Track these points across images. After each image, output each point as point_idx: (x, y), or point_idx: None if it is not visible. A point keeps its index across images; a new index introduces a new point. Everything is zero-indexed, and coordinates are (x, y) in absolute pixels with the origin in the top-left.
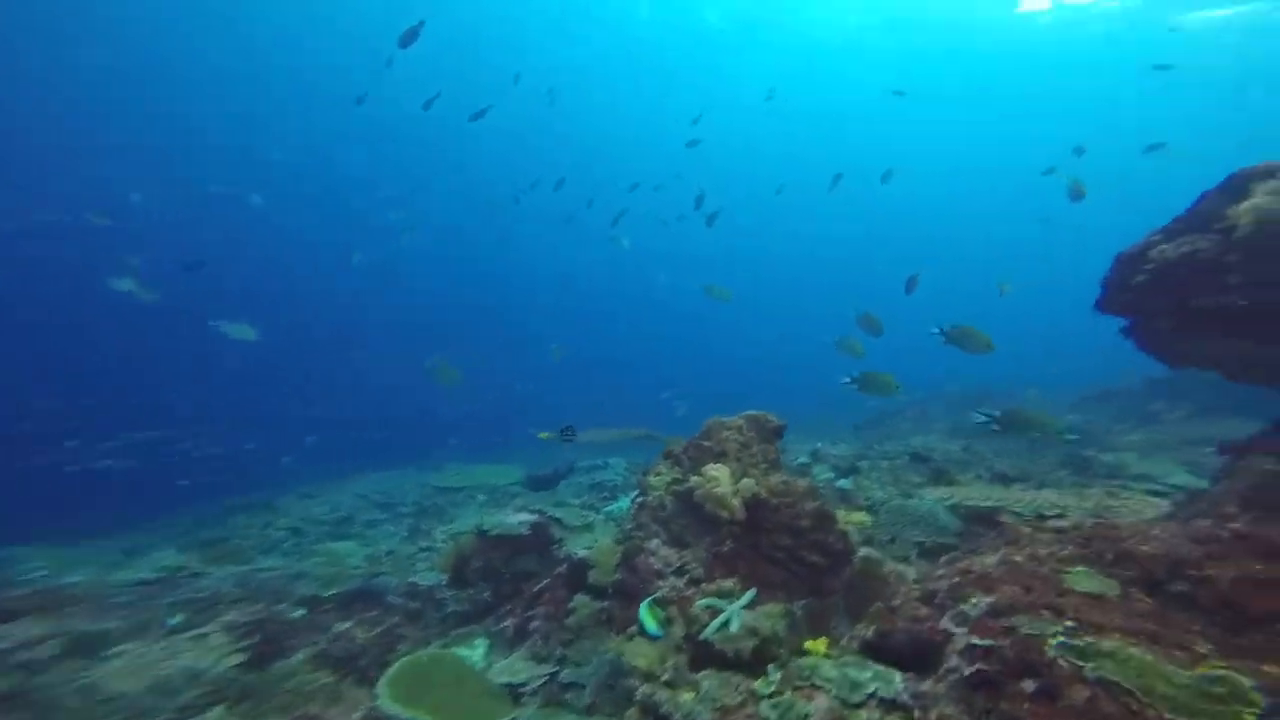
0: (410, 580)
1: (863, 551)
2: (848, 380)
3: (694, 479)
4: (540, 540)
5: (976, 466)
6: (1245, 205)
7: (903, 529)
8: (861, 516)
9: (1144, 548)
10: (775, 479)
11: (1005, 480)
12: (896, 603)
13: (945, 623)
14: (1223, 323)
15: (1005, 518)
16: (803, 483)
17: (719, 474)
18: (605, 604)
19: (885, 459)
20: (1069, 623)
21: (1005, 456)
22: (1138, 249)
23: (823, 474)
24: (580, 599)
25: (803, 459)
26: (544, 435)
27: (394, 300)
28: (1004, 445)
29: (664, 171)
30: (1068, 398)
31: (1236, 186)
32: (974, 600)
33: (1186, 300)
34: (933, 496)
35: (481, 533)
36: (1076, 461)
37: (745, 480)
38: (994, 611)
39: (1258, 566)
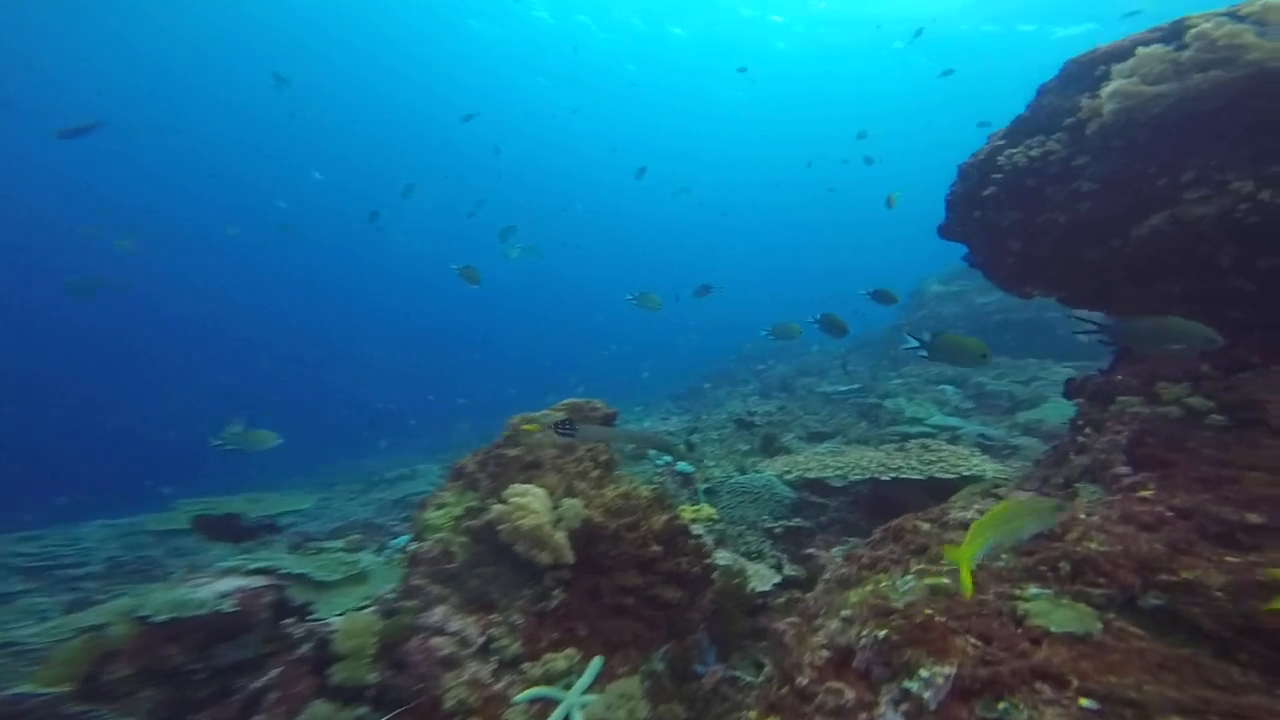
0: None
1: (722, 561)
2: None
3: (495, 508)
4: (264, 615)
5: (793, 426)
6: (1108, 90)
7: (747, 510)
8: (709, 511)
9: (1092, 545)
10: (611, 492)
11: (821, 437)
12: (803, 681)
13: (888, 714)
14: (1074, 238)
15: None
16: (645, 491)
17: (529, 499)
18: None
19: (715, 429)
20: (1087, 701)
21: (813, 413)
22: (983, 155)
23: (660, 457)
24: (319, 710)
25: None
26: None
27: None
28: (810, 402)
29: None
30: (837, 349)
31: (1080, 74)
32: (922, 671)
33: (1036, 216)
34: (770, 470)
35: (142, 619)
36: (866, 411)
37: (569, 502)
38: (962, 691)
39: (1234, 560)
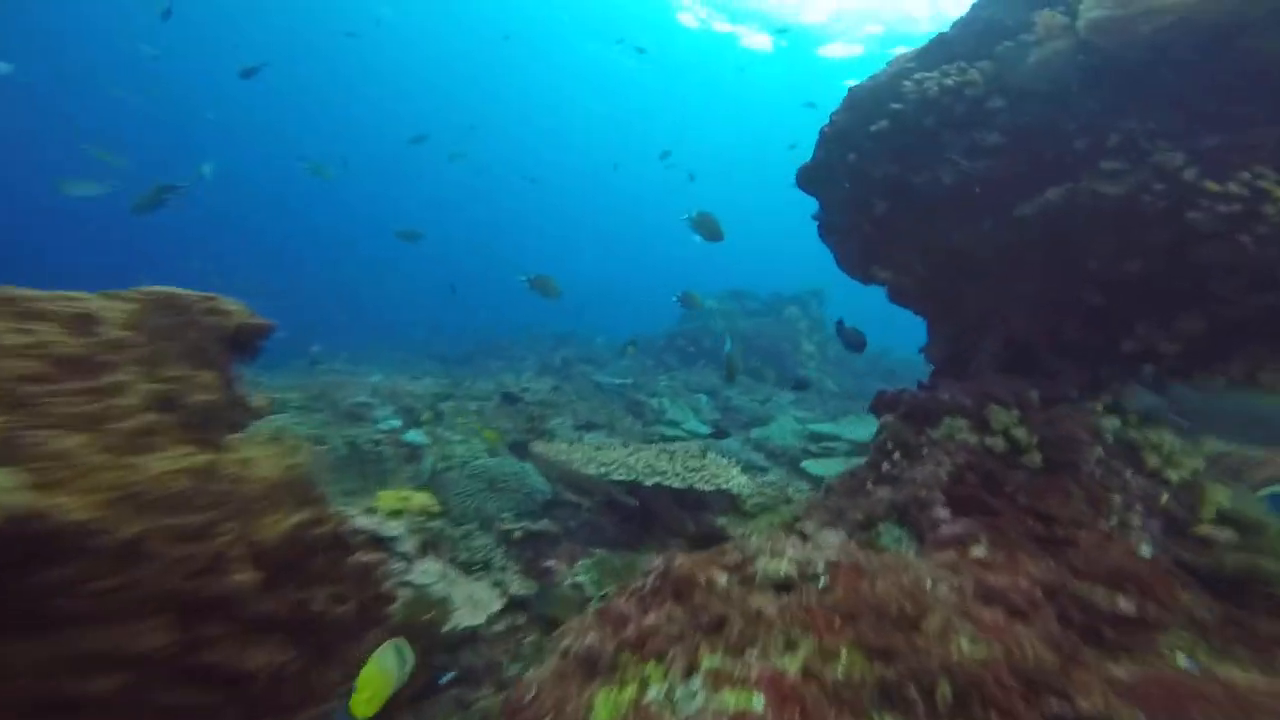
0: None
1: (425, 578)
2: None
3: None
4: None
5: (564, 410)
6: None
7: (485, 502)
8: (421, 501)
9: (965, 647)
10: (161, 463)
11: (590, 426)
12: None
13: None
14: (947, 208)
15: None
16: (266, 468)
17: None
18: None
19: (475, 400)
20: None
21: (586, 399)
22: (884, 79)
23: (386, 420)
24: None
25: (362, 398)
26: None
27: None
28: (584, 388)
29: None
30: (620, 341)
31: None
32: None
33: (918, 172)
34: (487, 434)
35: None
36: (634, 406)
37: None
38: None
39: (1118, 674)
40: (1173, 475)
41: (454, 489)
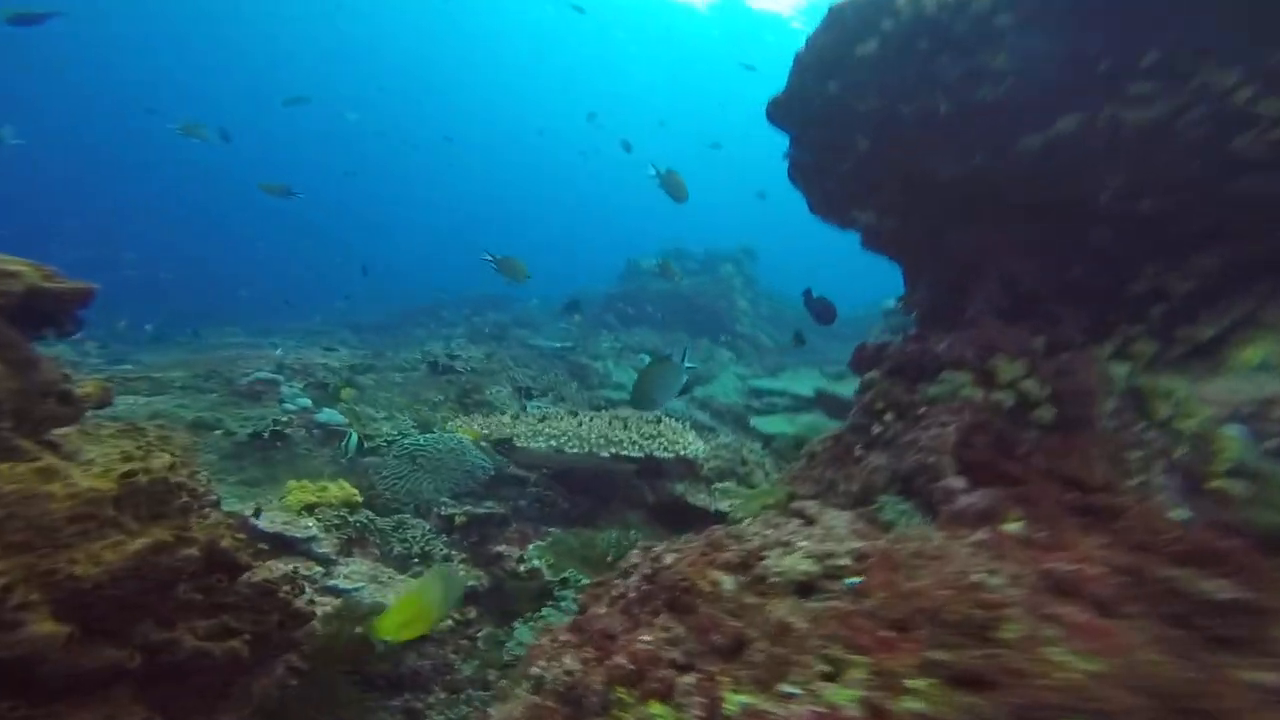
0: None
1: (347, 580)
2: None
3: None
4: None
5: (500, 378)
6: None
7: (421, 482)
8: (341, 493)
9: (1057, 657)
10: None
11: (529, 393)
12: None
13: None
14: (940, 140)
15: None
16: (93, 476)
17: None
18: None
19: (399, 370)
20: None
21: (524, 365)
22: None
23: (294, 399)
24: None
25: (265, 373)
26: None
27: None
28: (521, 353)
29: None
30: (554, 307)
31: None
32: None
33: (907, 101)
34: (465, 432)
35: None
36: (576, 370)
37: None
38: None
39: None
40: (1185, 425)
41: (381, 473)
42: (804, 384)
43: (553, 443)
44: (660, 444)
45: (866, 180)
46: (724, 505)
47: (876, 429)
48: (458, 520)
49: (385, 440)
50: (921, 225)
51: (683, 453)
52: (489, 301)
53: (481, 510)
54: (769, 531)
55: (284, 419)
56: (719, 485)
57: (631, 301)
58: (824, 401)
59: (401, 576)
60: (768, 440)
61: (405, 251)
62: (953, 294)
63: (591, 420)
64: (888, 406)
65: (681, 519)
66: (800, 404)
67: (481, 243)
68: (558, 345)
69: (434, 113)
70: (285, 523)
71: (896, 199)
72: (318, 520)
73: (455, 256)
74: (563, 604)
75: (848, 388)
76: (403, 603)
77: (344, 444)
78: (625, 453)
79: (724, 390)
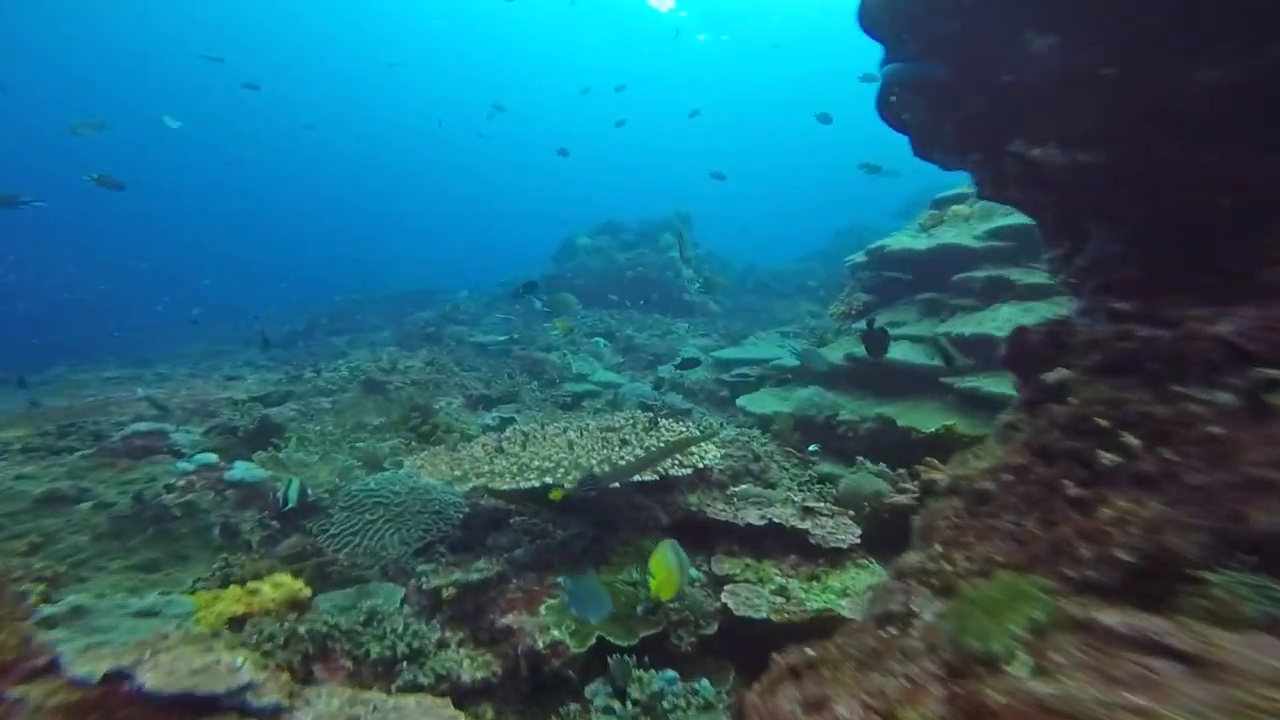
0: None
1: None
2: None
3: None
4: None
5: (449, 388)
6: None
7: (383, 537)
8: (277, 587)
9: None
10: None
11: (488, 402)
12: None
13: None
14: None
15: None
16: None
17: None
18: None
19: (325, 394)
20: None
21: (471, 369)
22: None
23: (194, 455)
24: None
25: (143, 424)
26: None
27: None
28: (464, 354)
29: None
30: (486, 297)
31: None
32: None
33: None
34: (429, 473)
35: None
36: (530, 366)
37: None
38: None
39: None
40: None
41: (328, 530)
42: (766, 349)
43: (548, 479)
44: (673, 463)
45: (1044, 96)
46: (752, 516)
47: (1109, 458)
48: (446, 594)
49: (327, 490)
50: (1137, 154)
51: (701, 465)
52: (411, 299)
53: (474, 576)
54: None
55: (179, 481)
56: (736, 489)
57: (569, 282)
58: (812, 371)
59: (387, 698)
60: (764, 422)
61: (302, 253)
62: (1185, 249)
63: (581, 437)
64: (1124, 423)
65: (703, 536)
66: (770, 371)
67: (383, 236)
68: (502, 339)
69: (332, 106)
70: (196, 671)
71: (1093, 120)
72: (250, 648)
73: (365, 253)
74: (596, 700)
75: (834, 353)
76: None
77: (280, 494)
78: (643, 476)
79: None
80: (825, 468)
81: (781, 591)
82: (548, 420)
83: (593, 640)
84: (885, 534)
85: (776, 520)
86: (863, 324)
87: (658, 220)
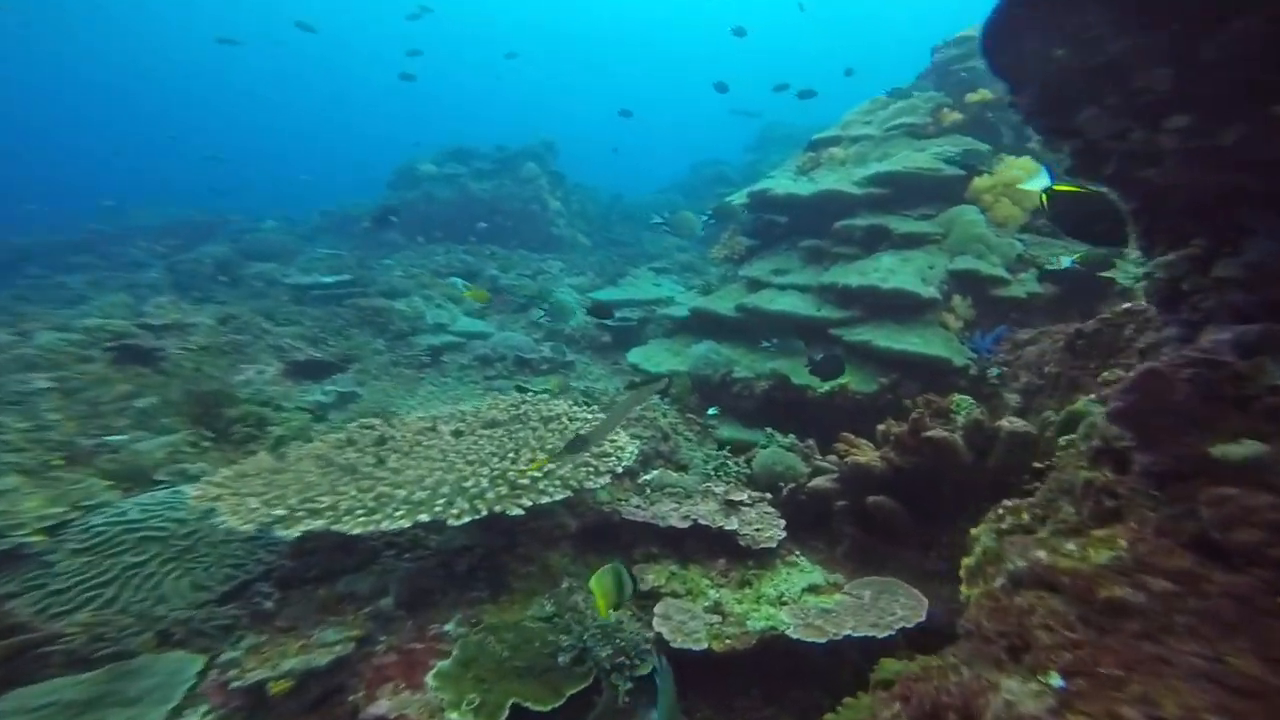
0: None
1: None
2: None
3: None
4: None
5: (255, 350)
6: None
7: (156, 588)
8: None
9: None
10: None
11: (316, 370)
12: None
13: None
14: None
15: None
16: None
17: None
18: None
19: (44, 366)
20: None
21: (292, 321)
22: None
23: None
24: None
25: None
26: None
27: None
28: (281, 303)
29: None
30: (303, 229)
31: None
32: None
33: None
34: (230, 510)
35: None
36: (372, 318)
37: None
38: None
39: None
40: None
41: (53, 585)
42: (646, 289)
43: (423, 515)
44: (584, 470)
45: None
46: (674, 518)
47: None
48: (276, 689)
49: (42, 529)
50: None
51: (620, 468)
52: (194, 229)
53: (321, 661)
54: None
55: None
56: (647, 477)
57: (416, 214)
58: (703, 321)
59: None
60: (655, 381)
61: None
62: None
63: (459, 440)
64: None
65: (614, 538)
66: (649, 309)
67: (152, 158)
68: (331, 280)
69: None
70: None
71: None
72: None
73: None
74: None
75: (723, 303)
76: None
77: None
78: (546, 498)
79: (567, 308)
80: (726, 432)
81: (717, 608)
82: (405, 393)
83: (505, 715)
84: (802, 517)
85: (702, 522)
86: (747, 269)
87: (519, 149)
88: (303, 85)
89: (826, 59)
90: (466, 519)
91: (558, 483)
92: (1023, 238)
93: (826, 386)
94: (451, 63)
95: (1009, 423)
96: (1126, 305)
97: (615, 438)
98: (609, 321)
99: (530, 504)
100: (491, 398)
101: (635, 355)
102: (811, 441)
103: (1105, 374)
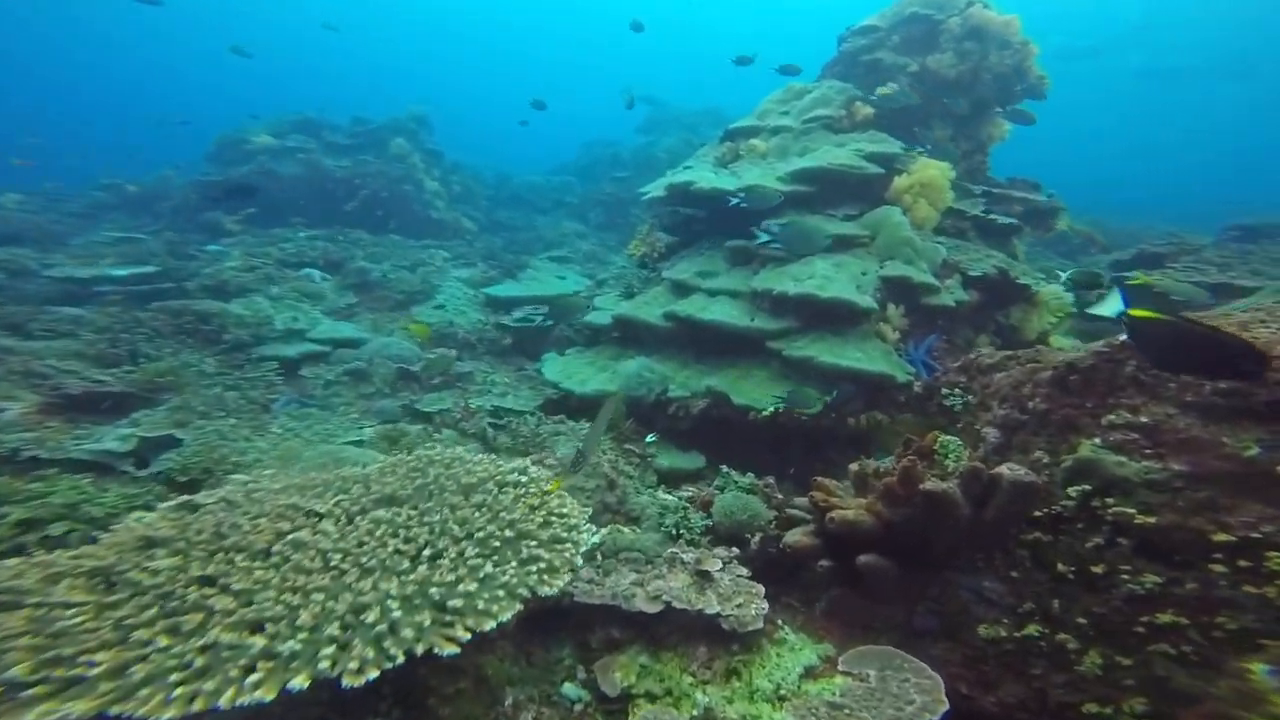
0: None
1: None
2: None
3: None
4: None
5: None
6: None
7: None
8: None
9: None
10: None
11: (106, 405)
12: None
13: None
14: None
15: None
16: None
17: None
18: None
19: None
20: None
21: (64, 334)
22: None
23: None
24: None
25: None
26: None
27: None
28: (36, 309)
29: None
30: (75, 205)
31: None
32: None
33: None
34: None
35: None
36: (193, 326)
37: None
38: None
39: None
40: None
41: None
42: (549, 283)
43: (297, 678)
44: (534, 569)
45: None
46: (625, 583)
47: None
48: None
49: None
50: None
51: (579, 558)
52: None
53: None
54: None
55: None
56: (595, 540)
57: (243, 189)
58: (627, 330)
59: None
60: (581, 405)
61: None
62: None
63: (344, 535)
64: None
65: (563, 624)
66: (591, 333)
67: None
68: (124, 274)
69: None
70: None
71: None
72: None
73: None
74: None
75: (649, 310)
76: None
77: None
78: (490, 621)
79: (455, 307)
80: (664, 460)
81: (708, 717)
82: (251, 434)
83: None
84: (774, 570)
85: (677, 605)
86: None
87: (384, 122)
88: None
89: (723, 42)
90: (373, 673)
91: (500, 592)
92: (941, 240)
93: (770, 408)
94: (286, 34)
95: (1009, 470)
96: (1123, 338)
97: (562, 507)
98: (510, 322)
99: (469, 633)
100: (384, 456)
101: (552, 370)
102: (771, 479)
103: (1110, 417)
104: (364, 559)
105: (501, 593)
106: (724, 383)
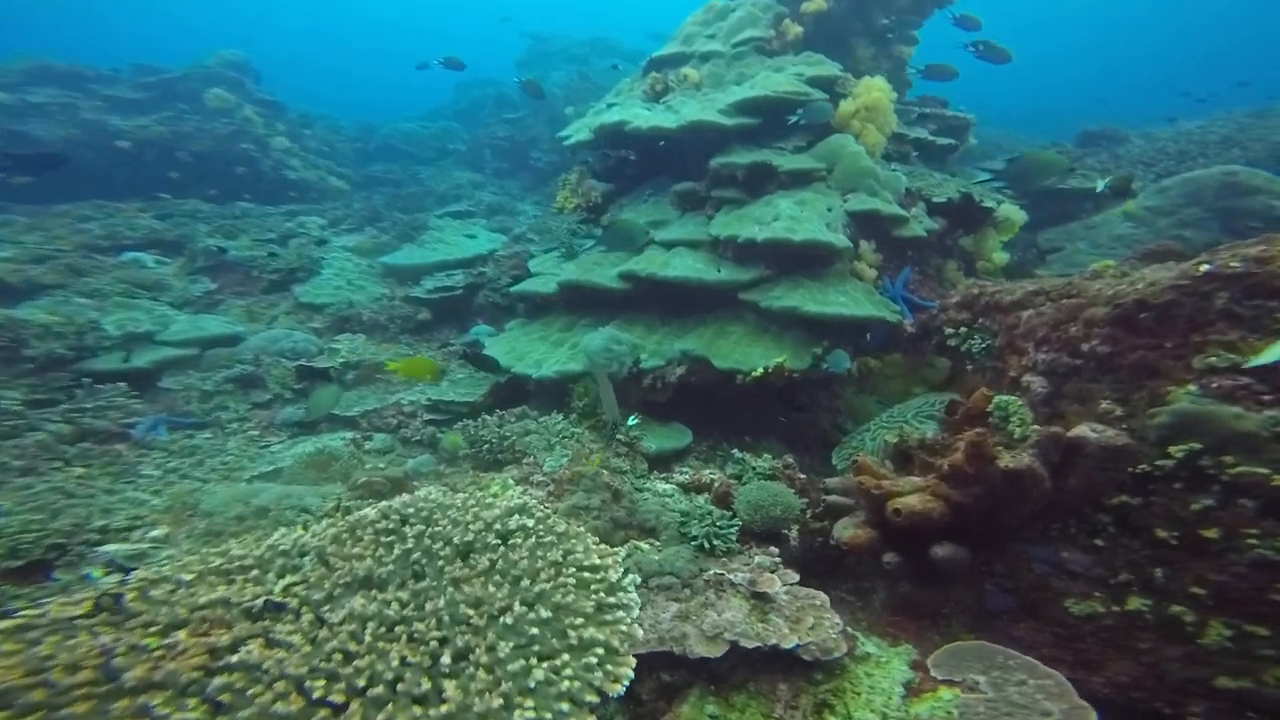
0: None
1: None
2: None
3: None
4: None
5: None
6: None
7: None
8: None
9: None
10: None
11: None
12: None
13: None
14: None
15: None
16: None
17: None
18: None
19: None
20: None
21: None
22: None
23: None
24: None
25: None
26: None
27: None
28: None
29: None
30: None
31: None
32: None
33: None
34: None
35: None
36: None
37: None
38: None
39: None
40: None
41: None
42: (459, 244)
43: None
44: (593, 658)
45: None
46: (667, 617)
47: None
48: None
49: None
50: None
51: (639, 634)
52: None
53: None
54: None
55: None
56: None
57: (53, 163)
58: (575, 296)
59: None
60: (529, 388)
61: None
62: None
63: (325, 641)
64: None
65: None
66: (469, 268)
67: None
68: None
69: None
70: None
71: None
72: None
73: None
74: None
75: (602, 272)
76: None
77: None
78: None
79: (348, 284)
80: (651, 443)
81: None
82: (120, 501)
83: None
84: (819, 564)
85: (746, 645)
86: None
87: (188, 70)
88: None
89: None
90: None
91: (565, 706)
92: (895, 167)
93: (759, 370)
94: None
95: (1093, 432)
96: (1206, 266)
97: (590, 556)
98: (423, 294)
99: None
100: (316, 489)
101: (498, 350)
102: (790, 459)
103: (1210, 359)
104: (361, 682)
105: (566, 706)
106: (700, 344)
